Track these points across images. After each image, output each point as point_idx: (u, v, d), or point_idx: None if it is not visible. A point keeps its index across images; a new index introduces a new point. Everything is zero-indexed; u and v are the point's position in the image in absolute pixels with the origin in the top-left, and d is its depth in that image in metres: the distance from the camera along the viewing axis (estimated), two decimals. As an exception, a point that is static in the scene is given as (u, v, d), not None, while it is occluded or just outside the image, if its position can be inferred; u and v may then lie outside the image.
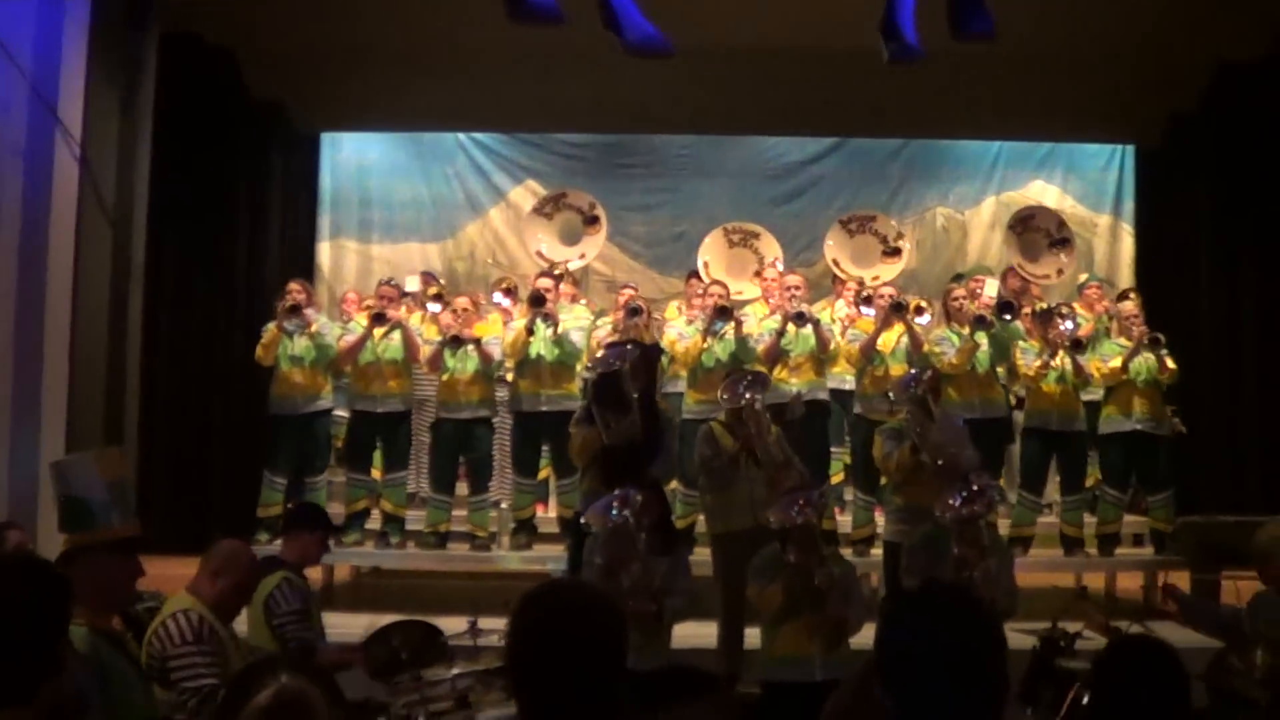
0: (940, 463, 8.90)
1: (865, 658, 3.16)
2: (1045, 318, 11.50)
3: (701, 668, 7.14)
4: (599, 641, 2.99)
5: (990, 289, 11.99)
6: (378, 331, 11.44)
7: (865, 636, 7.34)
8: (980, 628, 2.78)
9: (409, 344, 11.47)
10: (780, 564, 7.57)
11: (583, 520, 7.64)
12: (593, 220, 13.01)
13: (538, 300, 11.22)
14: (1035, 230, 12.91)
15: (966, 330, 11.16)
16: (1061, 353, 11.22)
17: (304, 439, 11.61)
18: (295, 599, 7.14)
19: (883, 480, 10.14)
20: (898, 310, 11.16)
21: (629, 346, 9.18)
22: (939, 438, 9.04)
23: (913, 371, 9.94)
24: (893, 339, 11.29)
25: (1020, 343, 11.39)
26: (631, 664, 7.19)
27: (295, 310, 11.39)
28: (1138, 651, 4.30)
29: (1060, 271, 12.98)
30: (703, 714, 2.62)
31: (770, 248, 12.88)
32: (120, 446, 6.75)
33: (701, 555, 10.01)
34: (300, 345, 11.48)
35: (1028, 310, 12.00)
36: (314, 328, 11.44)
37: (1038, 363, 11.23)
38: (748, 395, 9.06)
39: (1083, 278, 13.68)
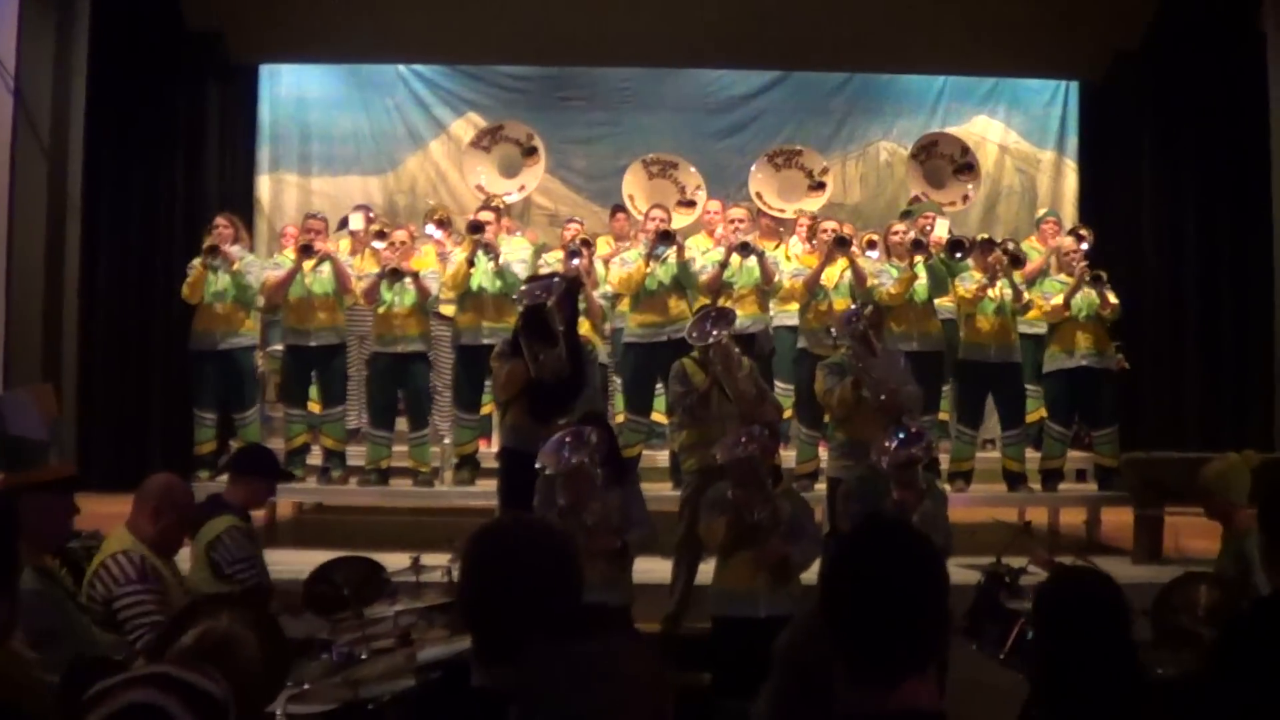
0: (882, 398, 8.91)
1: (812, 593, 3.15)
2: (986, 246, 11.47)
3: (610, 605, 7.16)
4: (552, 576, 2.95)
5: (941, 228, 11.96)
6: (307, 265, 11.33)
7: (814, 572, 7.36)
8: (921, 563, 2.76)
9: (339, 275, 11.36)
10: (735, 498, 7.57)
11: (537, 465, 7.59)
12: (531, 151, 12.95)
13: (476, 228, 11.10)
14: (939, 157, 12.95)
15: (907, 261, 11.14)
16: (1001, 282, 11.22)
17: (225, 375, 11.55)
18: (245, 545, 7.06)
19: (826, 416, 10.14)
20: (841, 245, 11.12)
21: (555, 279, 9.14)
22: (880, 374, 9.03)
23: (854, 307, 9.94)
24: (836, 274, 11.27)
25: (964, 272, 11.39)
26: (601, 598, 7.24)
27: (214, 251, 11.27)
28: (1078, 582, 4.31)
29: (966, 198, 13.00)
30: (617, 646, 2.58)
31: (689, 177, 12.87)
32: (51, 385, 6.64)
33: (649, 490, 10.02)
34: (222, 281, 11.38)
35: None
36: (236, 266, 11.32)
37: (974, 286, 11.22)
38: (714, 332, 9.00)
39: (1040, 212, 13.72)
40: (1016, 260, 11.33)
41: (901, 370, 9.27)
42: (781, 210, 12.46)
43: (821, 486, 10.39)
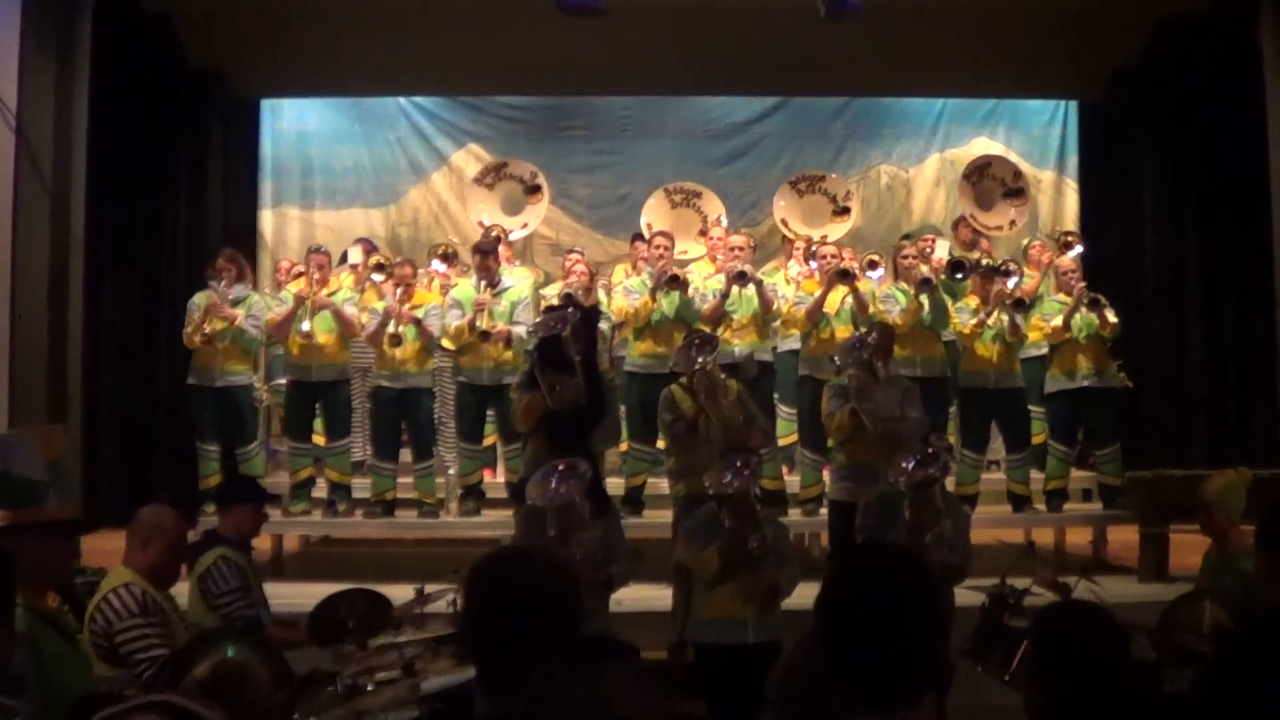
0: (878, 429, 8.92)
1: (800, 619, 3.15)
2: (988, 275, 11.48)
3: (615, 637, 7.17)
4: (555, 605, 2.96)
5: (941, 249, 12.00)
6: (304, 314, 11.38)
7: (799, 597, 7.35)
8: (919, 590, 2.76)
9: (344, 324, 11.39)
10: (714, 526, 7.58)
11: (526, 493, 7.61)
12: (534, 190, 12.99)
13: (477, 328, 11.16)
14: (991, 179, 12.95)
15: (913, 291, 11.15)
16: (998, 311, 11.23)
17: (223, 410, 11.58)
18: (233, 576, 7.10)
19: (829, 440, 10.15)
20: (844, 277, 11.14)
21: (569, 310, 9.16)
22: (879, 405, 9.02)
23: (858, 334, 9.94)
24: (838, 300, 11.29)
25: (956, 302, 11.39)
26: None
27: (211, 341, 11.36)
28: (1066, 618, 4.31)
29: (1013, 223, 13.00)
30: (619, 677, 2.60)
31: (713, 206, 12.90)
32: (61, 425, 6.65)
33: (653, 517, 10.04)
34: (219, 322, 11.41)
35: (978, 258, 12.03)
36: (238, 323, 11.38)
37: (973, 321, 11.25)
38: (699, 359, 9.02)
39: (1024, 241, 13.65)
40: (1020, 304, 11.31)
41: (902, 400, 9.25)
42: (808, 237, 12.40)
43: (825, 511, 10.38)
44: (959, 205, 13.41)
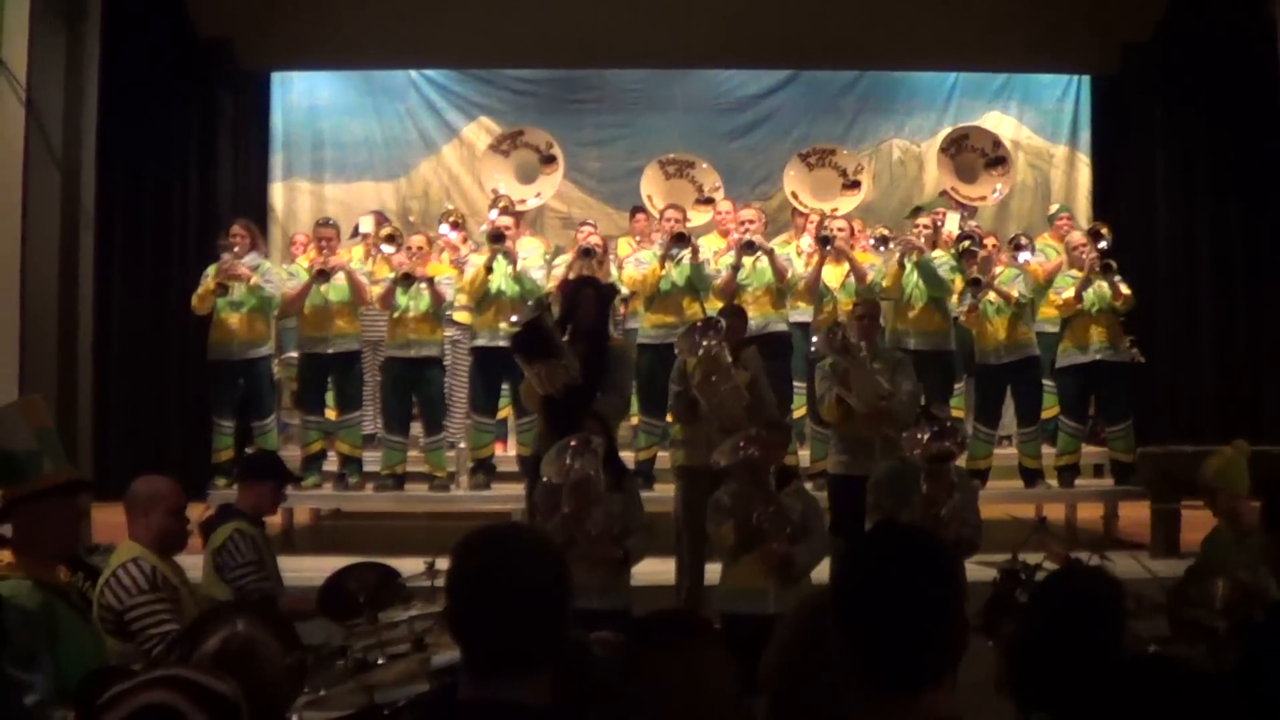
0: (867, 410, 8.90)
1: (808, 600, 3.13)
2: (967, 256, 11.41)
3: (697, 614, 7.17)
4: (536, 585, 2.92)
5: (952, 223, 11.95)
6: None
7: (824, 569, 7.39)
8: (940, 570, 2.73)
9: (355, 287, 11.41)
10: (737, 501, 7.60)
11: (541, 472, 7.64)
12: (549, 159, 12.94)
13: (497, 237, 11.17)
14: (970, 150, 12.86)
15: (895, 257, 11.25)
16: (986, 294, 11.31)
17: (244, 385, 11.64)
18: (248, 550, 7.09)
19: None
20: (823, 243, 11.20)
21: (544, 299, 9.21)
22: (862, 390, 8.97)
23: (833, 322, 9.89)
24: (840, 274, 11.29)
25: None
26: (599, 605, 7.23)
27: (224, 289, 11.38)
28: (1067, 583, 4.31)
29: (997, 192, 12.94)
30: (705, 657, 2.58)
31: (707, 176, 12.84)
32: (39, 395, 6.63)
33: (664, 491, 10.03)
34: (240, 290, 11.47)
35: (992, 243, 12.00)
36: (254, 280, 11.40)
37: (965, 309, 11.35)
38: (703, 343, 8.96)
39: (1053, 209, 13.62)
40: (976, 283, 11.29)
41: (894, 374, 9.16)
42: (818, 210, 12.37)
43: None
44: (941, 180, 13.37)
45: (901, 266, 11.12)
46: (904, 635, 2.63)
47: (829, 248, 11.24)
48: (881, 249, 11.58)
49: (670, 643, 2.57)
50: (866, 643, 2.67)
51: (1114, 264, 11.31)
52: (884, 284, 11.06)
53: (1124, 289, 11.26)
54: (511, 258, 11.16)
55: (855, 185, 12.72)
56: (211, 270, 11.48)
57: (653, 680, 2.48)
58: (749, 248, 11.11)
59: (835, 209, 12.32)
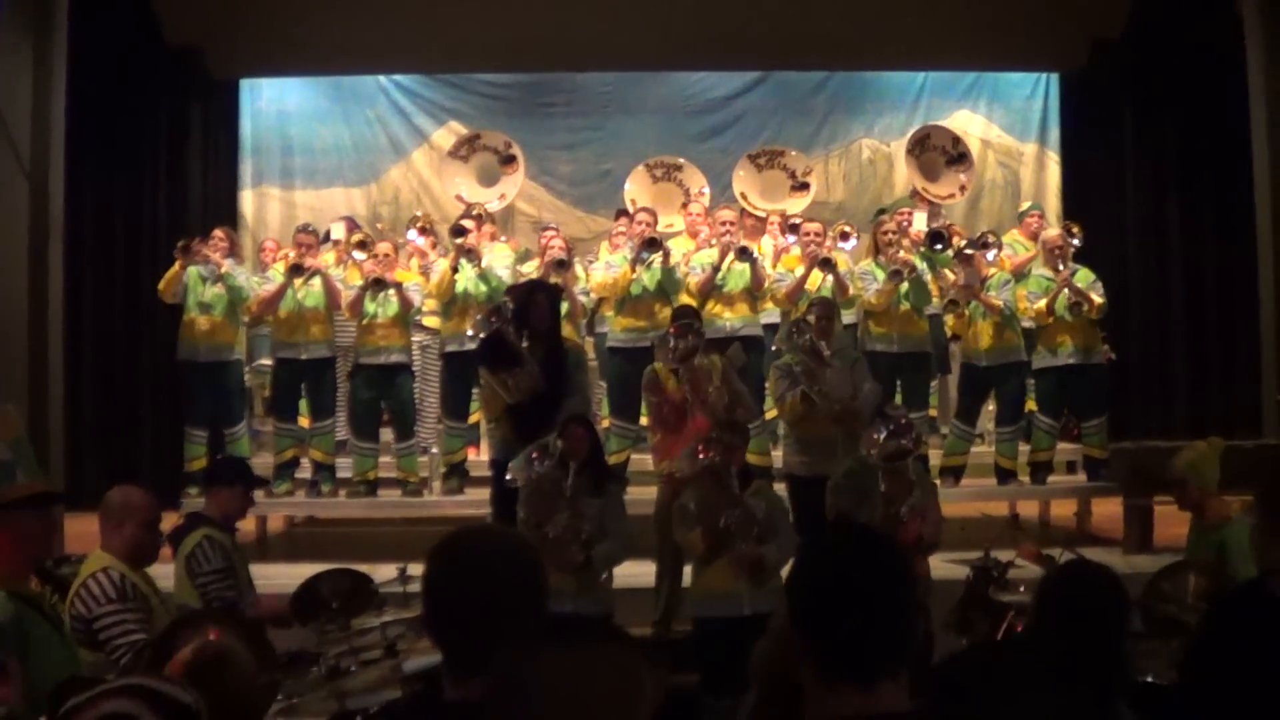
0: (837, 409, 8.91)
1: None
2: (963, 259, 11.47)
3: (606, 619, 7.17)
4: (516, 585, 2.93)
5: (919, 221, 11.98)
6: (297, 281, 11.33)
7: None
8: (888, 565, 2.75)
9: (330, 291, 11.37)
10: (702, 506, 7.63)
11: (507, 476, 7.66)
12: (509, 160, 12.99)
13: (458, 231, 11.21)
14: (932, 150, 12.98)
15: (887, 274, 11.17)
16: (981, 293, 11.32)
17: (214, 389, 11.58)
18: (216, 558, 7.05)
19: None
20: (826, 266, 11.13)
21: (502, 305, 9.20)
22: (831, 387, 8.99)
23: (796, 319, 9.89)
24: (819, 279, 11.29)
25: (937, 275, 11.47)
26: (575, 608, 7.24)
27: (187, 249, 11.29)
28: (1080, 575, 4.34)
29: (962, 189, 13.03)
30: (608, 656, 2.58)
31: (694, 179, 12.90)
32: (11, 405, 6.53)
33: (637, 494, 10.02)
34: (210, 293, 11.40)
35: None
36: (225, 269, 11.35)
37: (952, 320, 11.48)
38: (679, 347, 8.93)
39: (1024, 206, 13.69)
40: (938, 236, 11.38)
41: (852, 374, 9.24)
42: (766, 211, 12.43)
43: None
44: (910, 180, 13.45)
45: (896, 284, 11.08)
46: (854, 630, 2.65)
47: (826, 269, 11.17)
48: (845, 245, 11.58)
49: (564, 641, 2.57)
50: (819, 637, 2.69)
51: (1083, 289, 11.28)
52: (873, 300, 11.03)
53: (1097, 298, 11.24)
54: (476, 257, 11.13)
55: (804, 187, 12.84)
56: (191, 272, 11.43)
57: (543, 676, 2.48)
58: (744, 253, 11.09)
59: (783, 211, 12.40)
